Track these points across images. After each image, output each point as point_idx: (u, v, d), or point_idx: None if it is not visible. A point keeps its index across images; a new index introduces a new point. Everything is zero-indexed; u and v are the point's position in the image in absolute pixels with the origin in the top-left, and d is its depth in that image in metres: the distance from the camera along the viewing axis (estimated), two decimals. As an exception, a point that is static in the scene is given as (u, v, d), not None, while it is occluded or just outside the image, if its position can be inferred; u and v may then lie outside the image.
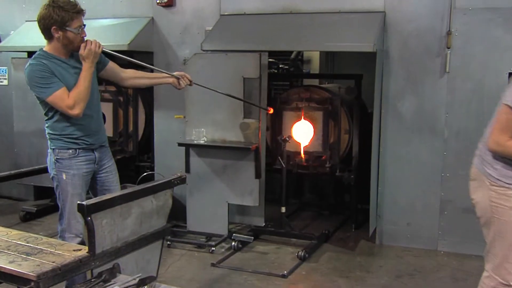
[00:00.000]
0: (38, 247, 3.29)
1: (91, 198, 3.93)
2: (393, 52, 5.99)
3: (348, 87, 6.85)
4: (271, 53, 7.29)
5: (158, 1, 6.75)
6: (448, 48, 5.76)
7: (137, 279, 3.20)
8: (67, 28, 3.97)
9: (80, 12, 4.05)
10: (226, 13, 6.54)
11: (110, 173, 4.44)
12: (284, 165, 6.20)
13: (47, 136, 4.20)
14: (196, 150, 6.31)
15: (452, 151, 5.90)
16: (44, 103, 4.05)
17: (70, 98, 3.95)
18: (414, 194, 6.10)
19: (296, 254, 5.80)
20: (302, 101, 6.63)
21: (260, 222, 6.50)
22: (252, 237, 6.25)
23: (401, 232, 6.18)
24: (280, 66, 8.53)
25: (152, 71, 4.99)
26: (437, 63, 5.85)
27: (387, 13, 5.94)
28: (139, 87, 4.68)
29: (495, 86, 5.66)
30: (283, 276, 5.34)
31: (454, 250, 5.99)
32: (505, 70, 5.63)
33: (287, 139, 6.21)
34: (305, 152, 6.58)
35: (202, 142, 6.17)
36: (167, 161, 6.95)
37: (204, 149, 6.26)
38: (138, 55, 7.74)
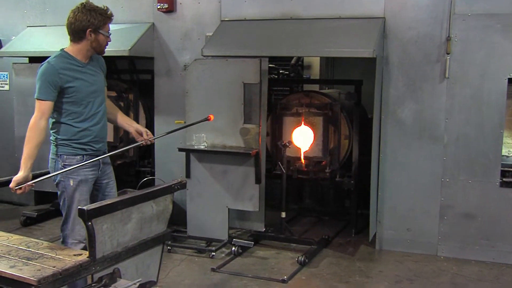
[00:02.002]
0: (38, 252, 3.31)
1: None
2: (393, 58, 6.01)
3: (348, 92, 6.87)
4: (271, 59, 7.33)
5: (158, 7, 6.77)
6: (448, 54, 5.78)
7: (137, 284, 3.22)
8: (101, 31, 4.18)
9: (111, 17, 4.30)
10: (226, 19, 6.57)
11: (110, 179, 4.50)
12: (284, 171, 6.22)
13: (53, 142, 4.25)
14: (196, 155, 6.32)
15: (451, 157, 5.92)
16: (55, 105, 4.13)
17: (35, 118, 4.06)
18: (414, 200, 6.11)
19: (296, 259, 5.80)
20: (302, 106, 6.66)
21: (260, 227, 6.51)
22: (252, 242, 6.26)
23: (401, 237, 6.19)
24: (280, 71, 8.56)
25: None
26: (436, 69, 5.87)
27: (387, 19, 5.97)
28: None
29: (494, 92, 5.70)
30: (283, 281, 5.35)
31: (454, 255, 6.00)
32: (504, 75, 5.65)
33: (287, 144, 6.22)
34: (305, 158, 6.60)
35: (202, 147, 6.19)
36: (167, 166, 6.97)
37: (205, 154, 6.28)
38: (138, 61, 7.82)
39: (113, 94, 7.40)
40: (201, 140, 6.16)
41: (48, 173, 4.29)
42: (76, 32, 4.17)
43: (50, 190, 7.29)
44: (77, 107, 4.18)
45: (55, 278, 2.98)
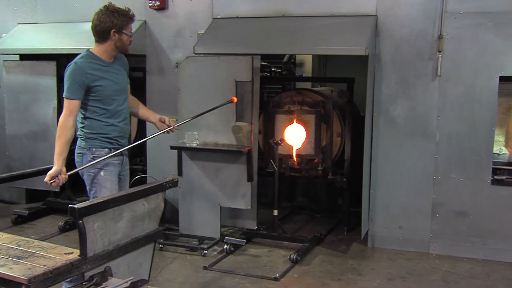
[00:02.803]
0: (29, 250, 3.29)
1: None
2: (385, 56, 6.01)
3: (340, 90, 6.87)
4: (264, 56, 7.32)
5: (150, 4, 6.75)
6: (440, 52, 5.79)
7: (129, 282, 3.21)
8: (124, 31, 4.43)
9: (133, 18, 4.55)
10: (218, 17, 6.55)
11: (127, 175, 4.75)
12: (276, 168, 6.21)
13: (80, 137, 4.43)
14: (188, 153, 6.31)
15: (443, 155, 5.93)
16: (83, 103, 4.33)
17: (63, 116, 4.22)
18: (406, 197, 6.12)
19: (289, 257, 5.80)
20: (295, 104, 6.65)
21: (252, 225, 6.51)
22: (245, 240, 6.25)
23: (393, 235, 6.20)
24: (273, 69, 8.55)
25: None
26: (428, 67, 5.87)
27: (379, 17, 5.97)
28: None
29: (486, 90, 5.71)
30: (275, 279, 5.35)
31: (446, 253, 6.02)
32: (496, 73, 5.66)
33: (280, 142, 6.22)
34: (297, 155, 6.59)
35: (194, 145, 6.17)
36: (159, 164, 6.95)
37: (197, 152, 6.26)
38: (130, 58, 7.77)
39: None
40: (193, 138, 6.14)
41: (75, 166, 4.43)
42: (100, 33, 4.40)
43: (42, 188, 7.28)
44: (103, 105, 4.40)
45: (46, 277, 2.97)
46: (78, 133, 4.45)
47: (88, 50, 4.46)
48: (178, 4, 6.74)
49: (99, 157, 4.35)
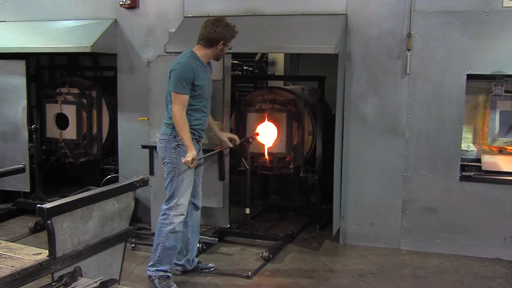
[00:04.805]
0: (-4, 251, 3.26)
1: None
2: (355, 54, 6.07)
3: (312, 88, 6.90)
4: (236, 55, 7.31)
5: (121, 3, 6.70)
6: (409, 50, 5.87)
7: (99, 282, 3.19)
8: (228, 45, 5.03)
9: (236, 34, 5.08)
10: (189, 15, 6.54)
11: (202, 163, 5.29)
12: (248, 167, 6.22)
13: (169, 125, 4.95)
14: (160, 152, 6.28)
15: (413, 152, 6.01)
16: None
17: (178, 110, 4.79)
18: (377, 194, 6.18)
19: (261, 255, 5.83)
20: (266, 102, 6.66)
21: (224, 223, 6.50)
22: (217, 239, 6.26)
23: (364, 231, 6.26)
24: (245, 68, 8.56)
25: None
26: (398, 65, 5.95)
27: (349, 16, 6.02)
28: None
29: (454, 88, 5.80)
30: (247, 277, 5.37)
31: (416, 249, 6.10)
32: (463, 71, 5.76)
33: (251, 140, 6.23)
34: (269, 154, 6.61)
35: (166, 144, 6.14)
36: (131, 163, 6.91)
37: (168, 151, 6.22)
38: (101, 57, 7.72)
39: (76, 91, 7.33)
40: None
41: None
42: (210, 40, 4.93)
43: (12, 189, 7.20)
44: (195, 102, 4.91)
45: (13, 278, 2.94)
46: (166, 121, 4.98)
47: (191, 50, 4.94)
48: (149, 3, 6.71)
49: (183, 145, 4.84)
